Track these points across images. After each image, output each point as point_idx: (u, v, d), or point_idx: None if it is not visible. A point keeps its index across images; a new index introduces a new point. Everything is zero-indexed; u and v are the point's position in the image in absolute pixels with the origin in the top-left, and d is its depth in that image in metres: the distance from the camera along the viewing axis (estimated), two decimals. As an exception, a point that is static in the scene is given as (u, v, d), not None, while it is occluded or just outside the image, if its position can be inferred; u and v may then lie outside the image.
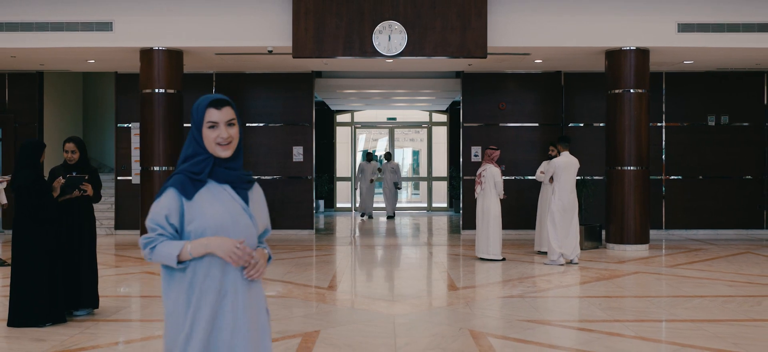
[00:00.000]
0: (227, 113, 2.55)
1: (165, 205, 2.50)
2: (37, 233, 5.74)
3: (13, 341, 5.32)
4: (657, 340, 5.46)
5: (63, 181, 5.93)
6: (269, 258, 2.68)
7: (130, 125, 13.46)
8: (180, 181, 2.52)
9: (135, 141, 13.22)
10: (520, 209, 13.22)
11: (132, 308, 6.91)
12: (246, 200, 2.59)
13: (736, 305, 6.75)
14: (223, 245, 2.46)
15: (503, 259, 9.92)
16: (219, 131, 2.53)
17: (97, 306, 6.29)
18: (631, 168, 11.06)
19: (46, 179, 5.99)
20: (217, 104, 2.55)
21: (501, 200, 9.90)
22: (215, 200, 2.53)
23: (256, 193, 2.69)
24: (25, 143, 5.91)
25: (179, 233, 2.52)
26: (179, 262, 2.47)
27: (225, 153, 2.54)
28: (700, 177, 13.55)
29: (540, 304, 7.02)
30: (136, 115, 13.10)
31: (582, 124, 13.48)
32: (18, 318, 5.70)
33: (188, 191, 2.50)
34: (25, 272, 5.70)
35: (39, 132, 13.51)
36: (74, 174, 6.07)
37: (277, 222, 13.54)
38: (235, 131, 2.56)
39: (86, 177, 6.06)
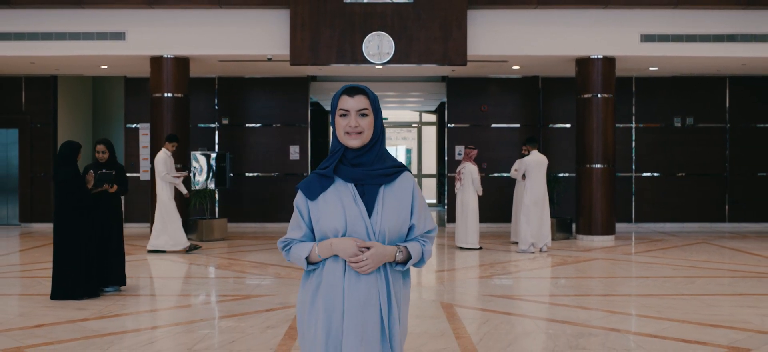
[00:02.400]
0: (360, 102, 2.47)
1: (298, 205, 2.54)
2: (75, 221, 6.78)
3: (60, 310, 6.37)
4: (594, 308, 6.53)
5: (93, 176, 6.97)
6: (421, 259, 2.55)
7: (138, 126, 14.48)
8: (307, 182, 2.53)
9: (143, 140, 14.25)
10: (504, 204, 14.23)
11: (151, 287, 7.95)
12: (374, 198, 2.48)
13: (673, 284, 7.84)
14: (345, 248, 2.42)
15: (480, 248, 11.00)
16: (349, 120, 2.46)
17: (124, 284, 7.34)
18: (599, 166, 12.13)
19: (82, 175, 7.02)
20: (351, 92, 2.49)
21: (479, 195, 10.96)
22: (337, 202, 2.47)
23: (397, 188, 2.52)
24: (65, 144, 6.94)
25: (312, 232, 2.53)
26: (309, 263, 2.50)
27: (354, 143, 2.45)
28: (667, 174, 14.63)
29: (505, 283, 8.10)
30: (143, 116, 14.15)
31: (558, 125, 14.55)
32: (59, 292, 6.75)
33: (313, 192, 2.49)
34: (65, 254, 6.75)
35: (53, 132, 14.53)
36: (103, 171, 7.11)
37: (275, 216, 14.61)
38: (367, 122, 2.47)
39: (114, 173, 7.11)
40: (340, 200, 2.46)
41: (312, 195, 2.48)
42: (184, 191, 10.73)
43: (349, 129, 2.45)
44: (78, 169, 6.93)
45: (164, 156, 10.42)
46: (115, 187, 7.13)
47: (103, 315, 6.20)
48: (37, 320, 5.98)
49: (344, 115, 2.47)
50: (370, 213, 2.46)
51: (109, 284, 7.21)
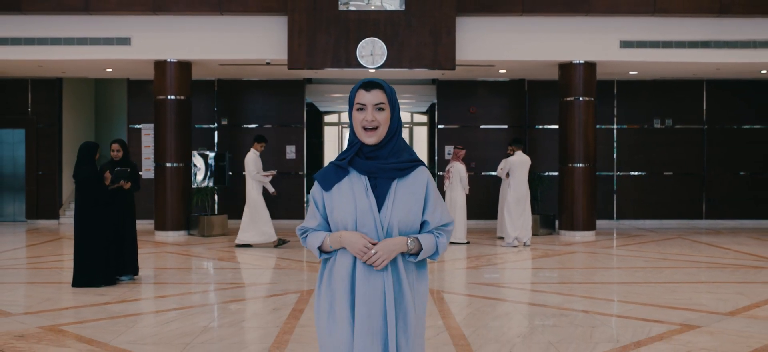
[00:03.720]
0: (377, 96, 2.45)
1: (313, 195, 2.57)
2: (95, 215, 7.39)
3: (82, 295, 6.99)
4: (568, 294, 7.18)
5: (110, 174, 7.58)
6: (436, 251, 2.56)
7: (140, 126, 15.06)
8: (323, 172, 2.54)
9: (145, 140, 14.84)
10: (491, 202, 14.88)
11: (161, 276, 8.55)
12: (386, 192, 2.47)
13: (642, 273, 8.52)
14: (354, 243, 2.43)
15: (467, 242, 11.65)
16: (365, 114, 2.44)
17: (137, 273, 7.95)
18: (580, 165, 12.80)
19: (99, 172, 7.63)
20: (368, 86, 2.47)
21: (466, 193, 11.63)
22: (350, 194, 2.48)
23: (411, 182, 2.50)
24: (84, 145, 7.54)
25: (327, 221, 2.56)
26: (322, 252, 2.54)
27: (370, 139, 2.46)
28: (648, 174, 15.33)
29: (488, 272, 8.75)
30: (146, 117, 14.76)
31: (544, 126, 15.22)
32: (82, 280, 7.36)
33: (328, 182, 2.50)
34: (86, 245, 7.35)
35: (58, 133, 15.10)
36: (118, 169, 7.71)
37: (271, 213, 15.18)
38: (383, 117, 2.45)
39: (129, 170, 7.72)
40: (352, 192, 2.47)
41: (327, 186, 2.51)
42: (272, 190, 11.19)
43: (366, 124, 2.44)
44: (96, 168, 7.54)
45: (254, 156, 10.99)
46: (130, 183, 7.75)
47: (123, 300, 6.82)
48: (63, 304, 6.59)
49: (361, 109, 2.46)
50: (380, 206, 2.47)
51: (124, 273, 7.82)
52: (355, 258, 2.47)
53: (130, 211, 7.92)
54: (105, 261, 7.46)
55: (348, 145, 2.53)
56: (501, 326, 5.82)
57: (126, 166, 7.81)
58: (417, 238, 2.49)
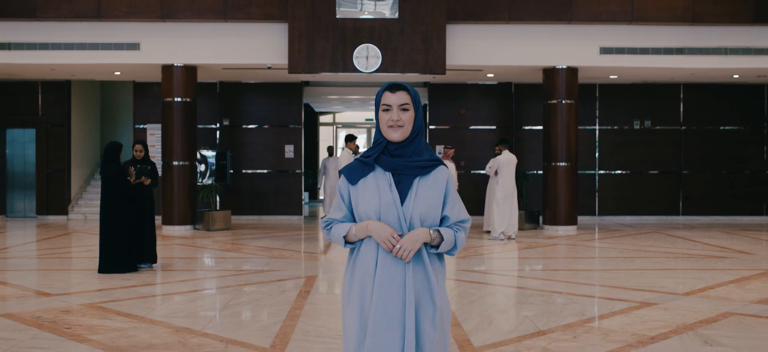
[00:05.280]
0: (401, 97, 2.62)
1: (340, 188, 2.73)
2: (119, 207, 8.16)
3: (109, 280, 7.76)
4: (546, 279, 8.01)
5: (133, 170, 8.36)
6: (454, 246, 2.68)
7: (145, 126, 15.81)
8: (349, 167, 2.71)
9: (151, 140, 15.59)
10: (480, 198, 15.66)
11: (176, 264, 9.32)
12: (408, 187, 2.63)
13: (615, 262, 9.36)
14: (381, 232, 2.58)
15: (457, 236, 12.47)
16: (391, 114, 2.61)
17: (155, 261, 8.72)
18: (563, 164, 13.64)
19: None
20: (393, 88, 2.64)
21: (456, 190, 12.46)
22: (375, 189, 2.64)
23: (431, 180, 2.66)
24: (109, 144, 8.31)
25: (352, 213, 2.72)
26: (347, 242, 2.69)
27: (395, 135, 2.61)
28: (628, 172, 16.20)
29: (476, 261, 9.57)
30: (151, 117, 15.51)
31: (530, 127, 16.07)
32: (107, 266, 8.14)
33: (353, 177, 2.67)
34: (111, 234, 8.13)
35: (67, 133, 15.83)
36: (138, 166, 8.49)
37: (271, 209, 16.02)
38: (408, 116, 2.62)
39: (149, 168, 8.49)
40: (377, 186, 2.64)
41: (353, 180, 2.69)
42: None
43: (391, 123, 2.62)
44: (120, 165, 8.32)
45: (348, 155, 11.89)
46: (150, 180, 8.53)
47: (147, 283, 7.60)
48: (94, 287, 7.37)
49: (387, 109, 2.63)
50: (403, 201, 2.63)
51: (143, 261, 8.59)
52: (378, 248, 2.62)
53: (150, 205, 8.69)
54: (127, 250, 8.23)
55: (374, 143, 2.71)
56: (484, 304, 6.63)
57: (146, 164, 8.58)
58: (438, 230, 2.64)
